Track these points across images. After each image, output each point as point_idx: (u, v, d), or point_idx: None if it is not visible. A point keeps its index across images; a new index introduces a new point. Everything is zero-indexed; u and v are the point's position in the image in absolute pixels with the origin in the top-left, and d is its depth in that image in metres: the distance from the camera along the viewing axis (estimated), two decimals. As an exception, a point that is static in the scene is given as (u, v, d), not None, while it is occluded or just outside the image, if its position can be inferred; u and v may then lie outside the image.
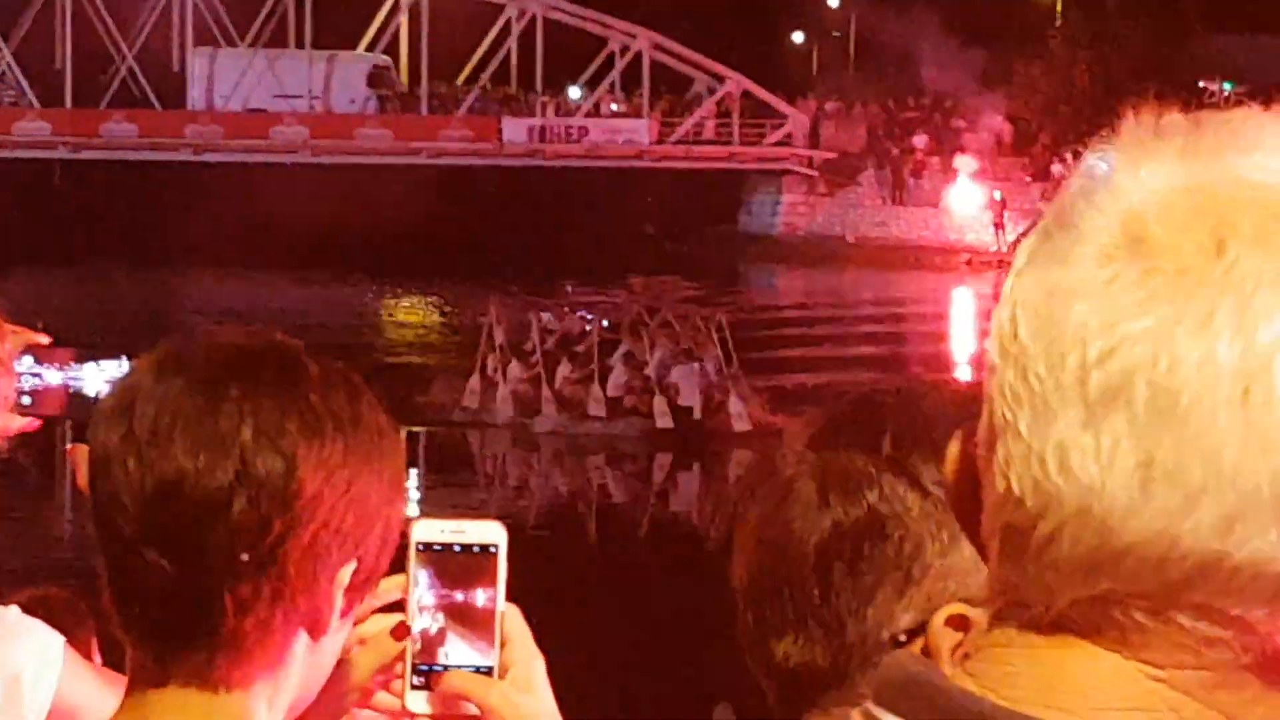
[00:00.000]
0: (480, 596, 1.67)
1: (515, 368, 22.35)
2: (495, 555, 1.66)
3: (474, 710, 1.65)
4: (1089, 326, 0.85)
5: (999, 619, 0.89)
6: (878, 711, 0.91)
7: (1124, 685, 0.87)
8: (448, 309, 31.56)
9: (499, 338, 22.47)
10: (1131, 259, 0.86)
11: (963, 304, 33.38)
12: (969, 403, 1.58)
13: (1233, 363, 0.84)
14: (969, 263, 39.11)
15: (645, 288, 25.75)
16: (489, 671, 1.66)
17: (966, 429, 0.93)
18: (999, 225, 39.22)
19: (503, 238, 37.46)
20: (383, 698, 1.65)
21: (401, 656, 1.64)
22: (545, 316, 23.06)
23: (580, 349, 22.42)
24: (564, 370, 22.15)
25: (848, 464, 1.52)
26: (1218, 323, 0.84)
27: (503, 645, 1.67)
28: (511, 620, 1.67)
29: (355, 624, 1.57)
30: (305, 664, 1.50)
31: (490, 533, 1.67)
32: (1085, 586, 0.86)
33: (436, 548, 1.65)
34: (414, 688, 1.64)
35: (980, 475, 0.90)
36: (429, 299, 33.74)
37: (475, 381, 22.42)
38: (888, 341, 24.67)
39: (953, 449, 0.94)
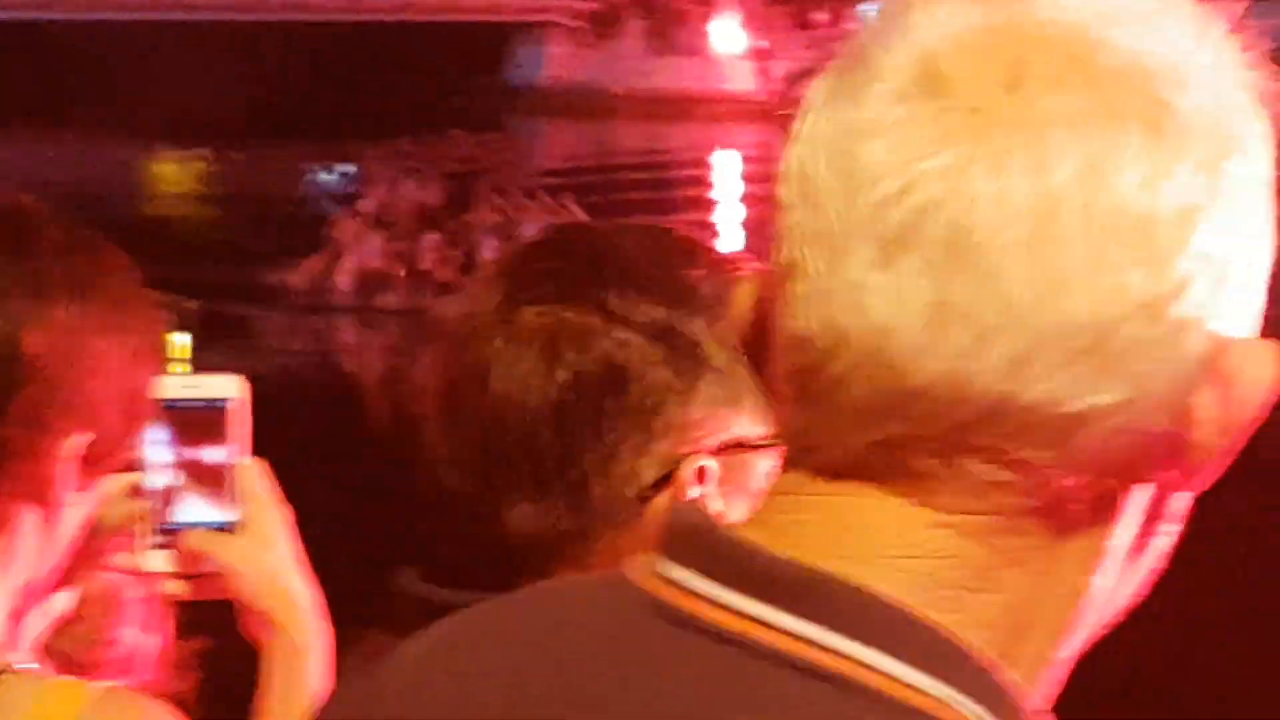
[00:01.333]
0: (217, 452, 1.64)
1: (370, 238, 20.84)
2: (230, 409, 1.63)
3: (211, 568, 1.64)
4: (883, 165, 0.85)
5: (788, 464, 0.89)
6: (663, 565, 0.90)
7: (911, 531, 0.87)
8: (236, 173, 31.03)
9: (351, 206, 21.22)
10: (926, 97, 0.86)
11: (728, 153, 33.46)
12: (668, 242, 1.57)
13: (1026, 203, 0.83)
14: (734, 112, 39.13)
15: (418, 147, 25.26)
16: (228, 528, 1.64)
17: (758, 269, 0.93)
18: (764, 73, 39.29)
19: (266, 99, 36.82)
20: (123, 559, 1.63)
21: (141, 516, 1.62)
22: (408, 184, 22.02)
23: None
24: (431, 242, 20.81)
25: (575, 316, 1.49)
26: (1012, 162, 0.84)
27: (243, 501, 1.64)
28: (251, 476, 1.65)
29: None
30: (37, 541, 1.47)
31: (227, 387, 1.64)
32: (875, 429, 0.86)
33: (173, 403, 1.62)
34: (152, 547, 1.62)
35: (770, 317, 0.89)
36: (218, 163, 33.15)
37: (317, 260, 20.77)
38: (656, 189, 24.67)
39: (742, 289, 0.94)
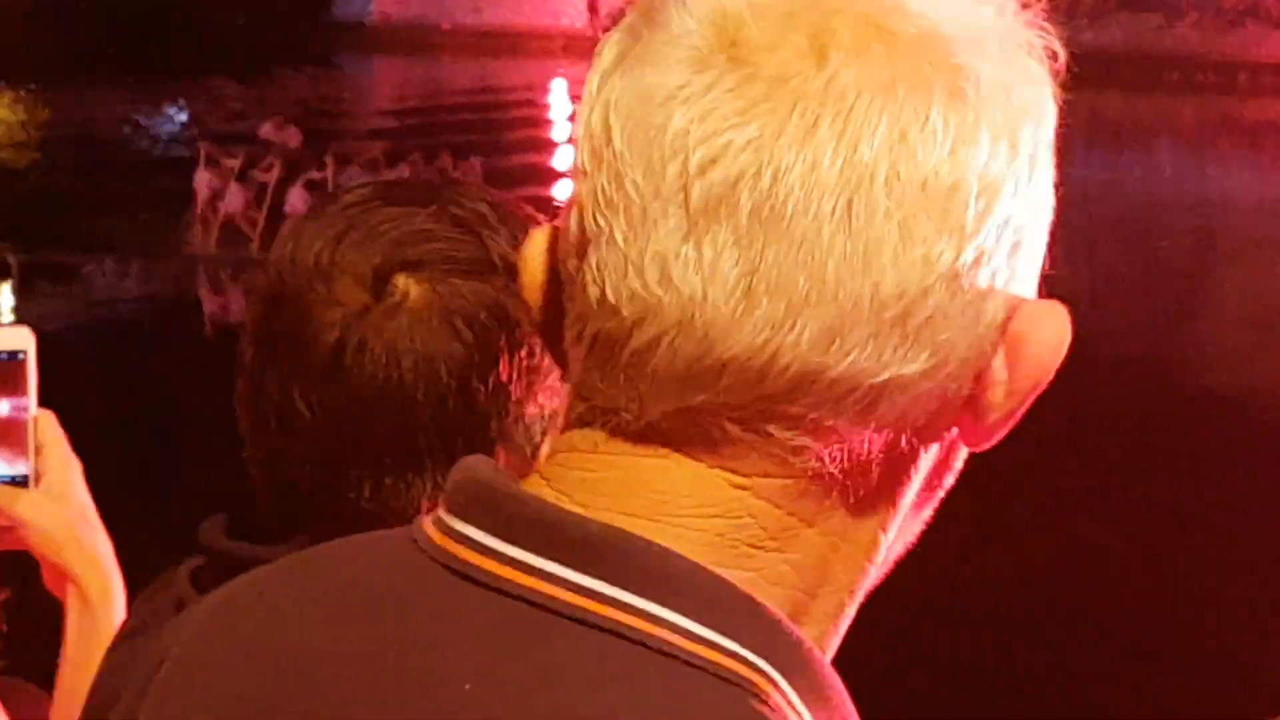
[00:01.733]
0: (7, 405, 1.62)
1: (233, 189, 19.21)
2: (23, 362, 1.61)
3: (4, 521, 1.63)
4: (689, 135, 0.84)
5: (581, 422, 0.88)
6: (450, 519, 0.89)
7: (705, 491, 0.87)
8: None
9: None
10: (729, 64, 0.85)
11: (558, 90, 33.31)
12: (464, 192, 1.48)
13: (835, 175, 0.84)
14: (564, 48, 38.90)
15: (246, 87, 24.71)
16: (22, 481, 1.62)
17: (547, 229, 0.92)
18: (593, 9, 39.10)
19: (90, 38, 36.09)
20: None
21: None
22: (265, 126, 21.30)
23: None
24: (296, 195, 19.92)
25: (463, 279, 1.47)
26: (820, 134, 0.84)
27: (37, 453, 1.63)
28: (45, 427, 1.63)
29: None
30: None
31: (17, 338, 1.62)
32: (681, 398, 0.85)
33: None
34: None
35: (563, 280, 0.88)
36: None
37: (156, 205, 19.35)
38: (484, 130, 24.49)
39: (531, 248, 0.92)
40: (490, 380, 1.45)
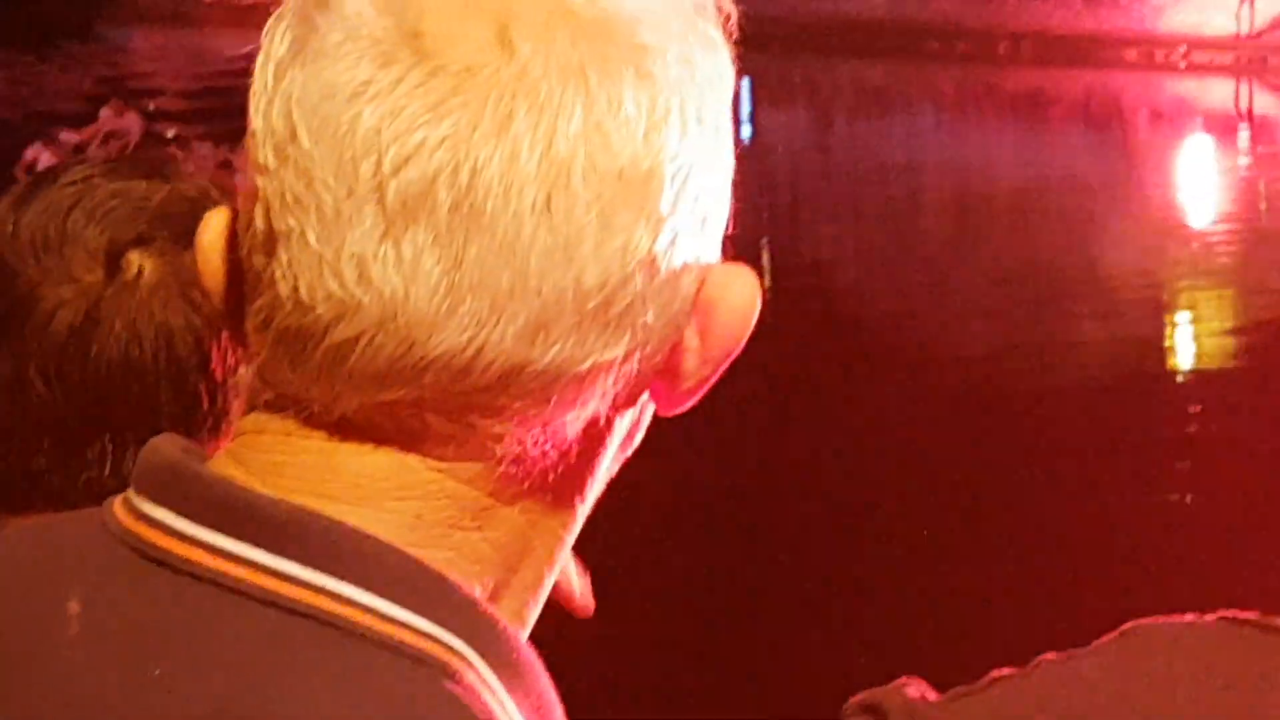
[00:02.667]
0: None
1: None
2: None
3: None
4: (381, 133, 0.83)
5: (271, 408, 0.87)
6: (139, 501, 0.88)
7: (403, 475, 0.87)
8: None
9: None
10: (415, 58, 0.83)
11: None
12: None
13: (534, 169, 0.83)
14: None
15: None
16: None
17: (222, 214, 0.90)
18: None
19: None
20: None
21: None
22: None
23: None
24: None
25: (185, 257, 1.46)
26: (516, 127, 0.83)
27: None
28: None
29: None
30: None
31: None
32: (381, 394, 0.85)
33: None
34: None
35: (244, 269, 0.86)
36: None
37: None
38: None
39: (208, 234, 0.90)
40: (229, 354, 1.44)
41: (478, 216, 0.83)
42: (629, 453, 0.95)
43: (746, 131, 25.90)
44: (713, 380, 0.92)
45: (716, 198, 0.90)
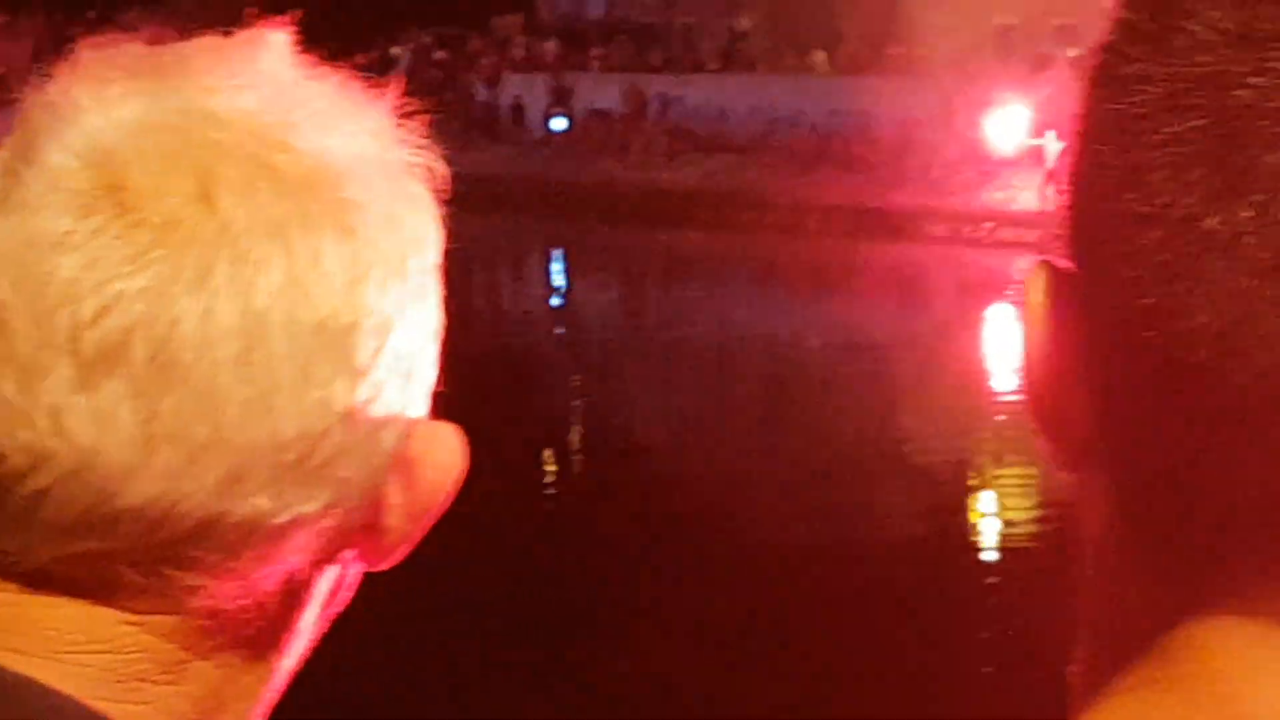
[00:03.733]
0: None
1: None
2: None
3: None
4: (79, 283, 0.83)
5: None
6: None
7: (95, 628, 0.85)
8: None
9: None
10: (115, 210, 0.84)
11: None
12: None
13: (232, 321, 0.83)
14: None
15: None
16: None
17: None
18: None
19: None
20: None
21: None
22: None
23: None
24: None
25: None
26: (215, 280, 0.83)
27: None
28: None
29: None
30: None
31: None
32: (74, 544, 0.84)
33: None
34: None
35: None
36: None
37: None
38: None
39: None
40: None
41: (175, 368, 0.83)
42: (337, 610, 0.95)
43: (557, 301, 26.13)
44: (416, 538, 0.93)
45: (421, 354, 0.90)
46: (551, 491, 13.80)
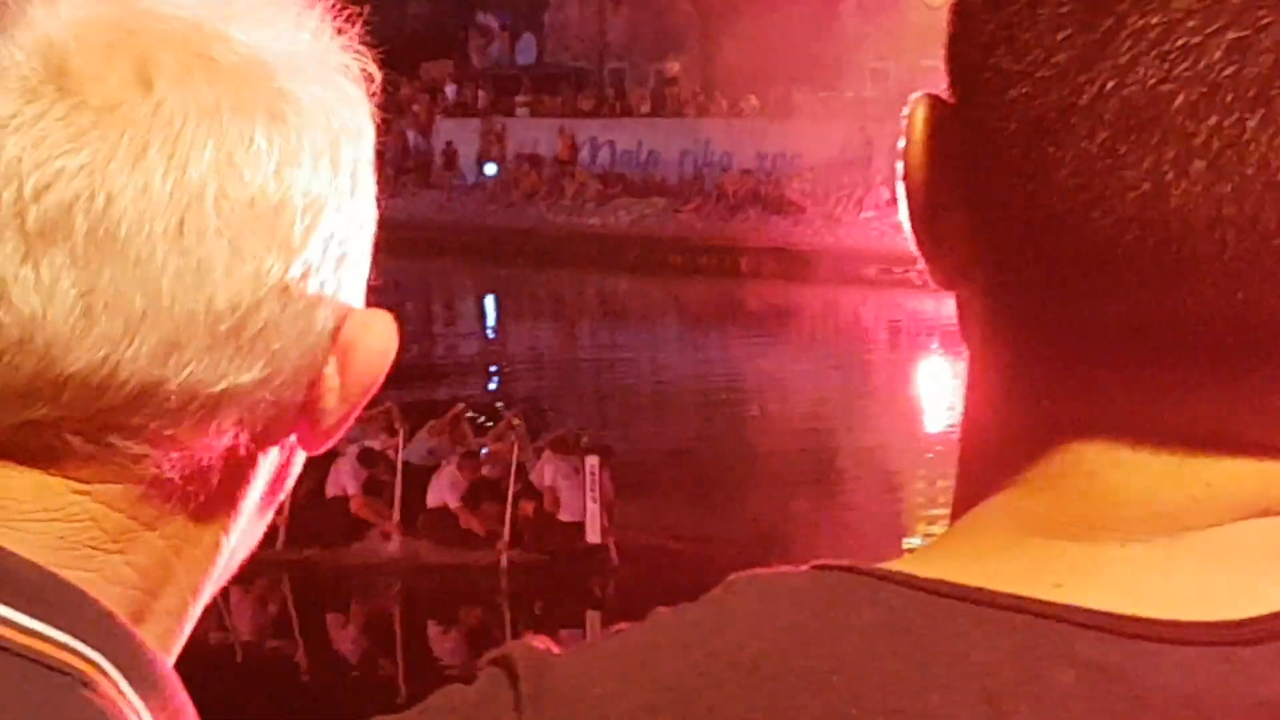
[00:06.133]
0: None
1: None
2: None
3: None
4: (23, 162, 0.87)
5: None
6: None
7: (46, 497, 0.90)
8: None
9: None
10: (58, 94, 0.88)
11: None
12: None
13: (166, 196, 0.87)
14: None
15: None
16: None
17: None
18: None
19: None
20: None
21: None
22: None
23: None
24: None
25: None
26: (150, 158, 0.87)
27: None
28: None
29: None
30: None
31: None
32: (20, 412, 0.88)
33: None
34: None
35: None
36: None
37: None
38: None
39: None
40: None
41: (112, 241, 0.86)
42: (279, 497, 0.99)
43: (490, 335, 26.21)
44: (351, 420, 0.97)
45: (354, 240, 0.94)
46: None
